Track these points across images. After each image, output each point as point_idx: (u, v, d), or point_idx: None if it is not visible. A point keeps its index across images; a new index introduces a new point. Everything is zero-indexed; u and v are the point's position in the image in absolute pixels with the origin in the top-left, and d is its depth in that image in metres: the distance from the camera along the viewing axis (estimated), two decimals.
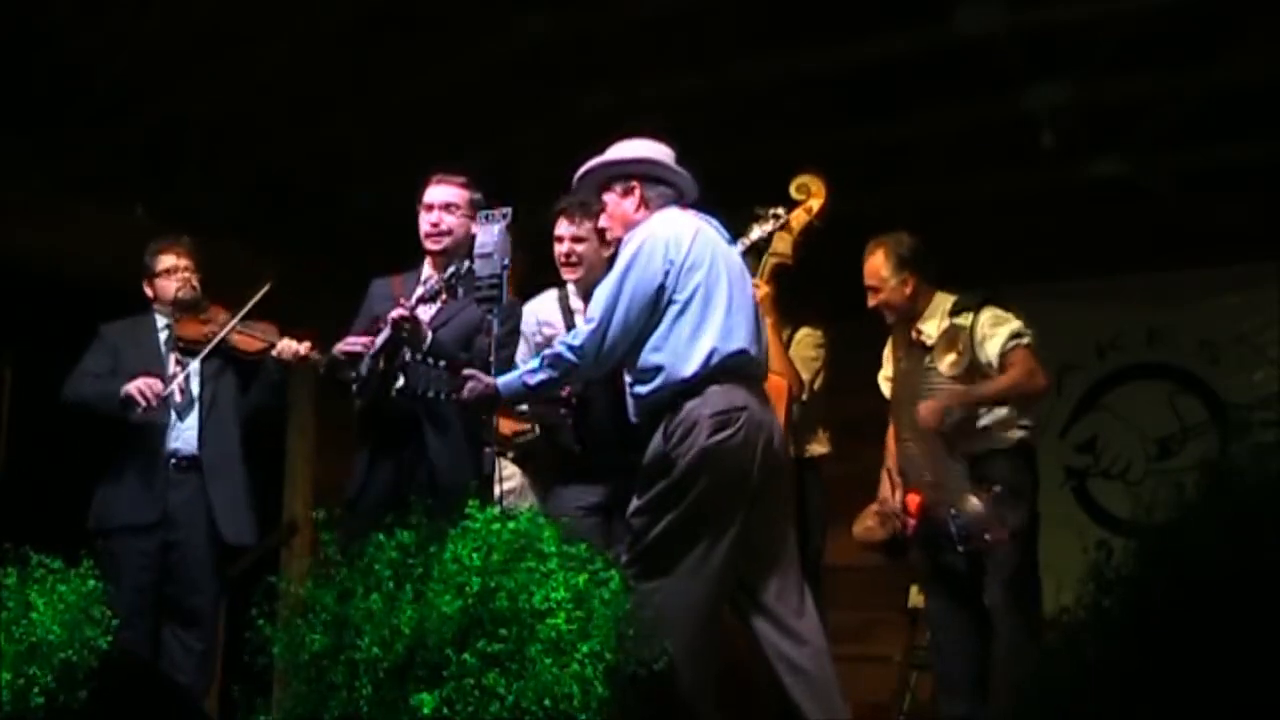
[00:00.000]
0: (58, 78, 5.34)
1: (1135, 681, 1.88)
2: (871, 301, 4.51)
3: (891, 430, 4.53)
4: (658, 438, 3.55)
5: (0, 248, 5.65)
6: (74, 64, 5.35)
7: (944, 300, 4.46)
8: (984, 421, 4.32)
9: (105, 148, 5.81)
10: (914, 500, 4.34)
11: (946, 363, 4.31)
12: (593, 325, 3.61)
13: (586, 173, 3.85)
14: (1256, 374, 5.79)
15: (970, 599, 4.31)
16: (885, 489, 4.50)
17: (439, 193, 4.24)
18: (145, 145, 5.88)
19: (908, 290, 4.44)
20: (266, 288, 4.63)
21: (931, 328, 4.42)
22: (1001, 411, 4.34)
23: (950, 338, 4.34)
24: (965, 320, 4.36)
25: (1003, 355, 4.29)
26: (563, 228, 4.27)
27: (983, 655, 4.34)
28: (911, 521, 4.35)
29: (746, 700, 3.98)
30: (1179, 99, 5.38)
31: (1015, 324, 4.33)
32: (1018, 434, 4.33)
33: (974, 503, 4.16)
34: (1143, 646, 1.88)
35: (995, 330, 4.31)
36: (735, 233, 4.12)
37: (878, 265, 4.48)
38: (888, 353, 4.62)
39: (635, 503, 3.57)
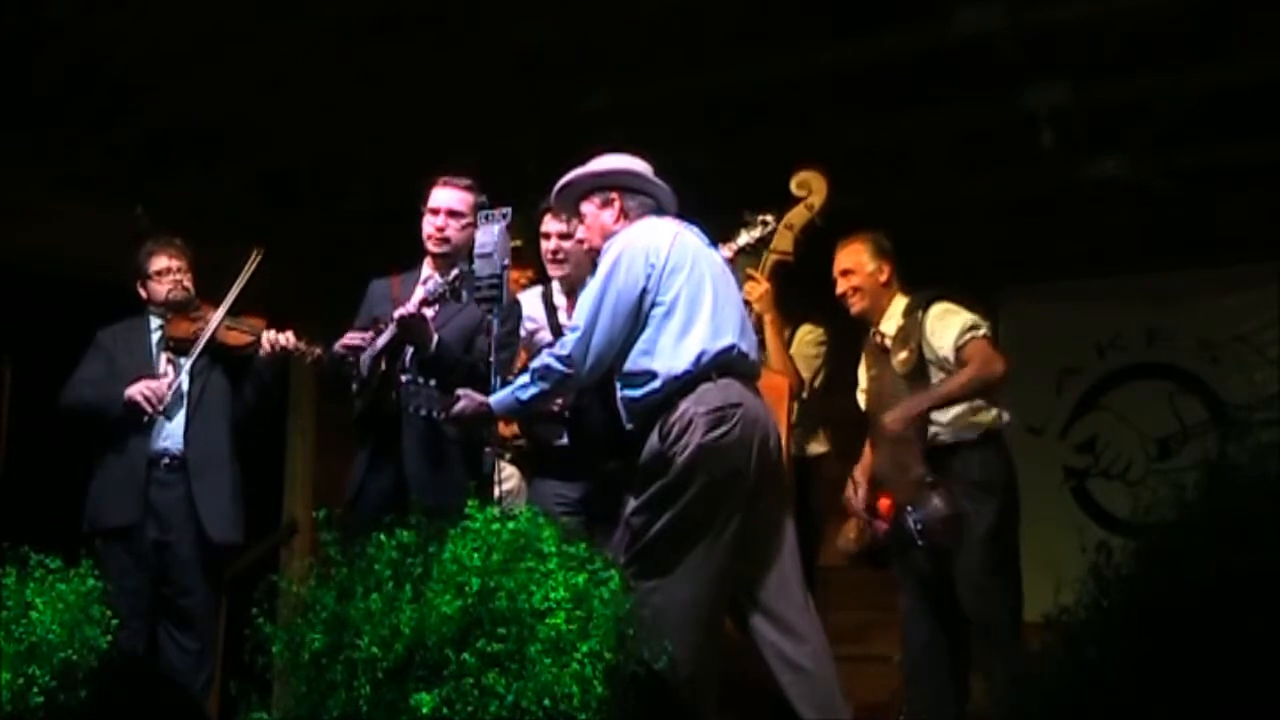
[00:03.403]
0: (58, 77, 5.34)
1: (1135, 681, 1.88)
2: (841, 287, 4.51)
3: (870, 440, 4.51)
4: (653, 437, 3.56)
5: (0, 248, 5.66)
6: (74, 64, 5.35)
7: (901, 301, 4.47)
8: (945, 415, 4.28)
9: (105, 147, 5.81)
10: (885, 503, 4.33)
11: (898, 361, 4.32)
12: (578, 334, 3.63)
13: (566, 185, 3.87)
14: (1256, 374, 5.79)
15: (940, 598, 4.30)
16: (849, 490, 4.49)
17: (444, 196, 4.24)
18: (145, 145, 5.88)
19: (883, 278, 4.46)
20: (256, 260, 4.63)
21: (890, 328, 4.43)
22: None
23: (904, 335, 4.35)
24: (916, 317, 4.36)
25: (959, 349, 4.26)
26: (550, 225, 4.31)
27: (951, 656, 4.33)
28: (882, 525, 4.33)
29: (744, 702, 3.98)
30: (1179, 99, 5.38)
31: (967, 316, 4.31)
32: (984, 421, 4.30)
33: (931, 498, 4.14)
34: (1142, 646, 1.88)
35: (945, 323, 4.30)
36: (723, 237, 4.12)
37: (857, 251, 4.50)
38: (861, 367, 4.61)
39: (633, 502, 3.58)
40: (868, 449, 4.51)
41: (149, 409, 4.49)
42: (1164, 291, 6.26)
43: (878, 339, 4.44)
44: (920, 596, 4.38)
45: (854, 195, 5.48)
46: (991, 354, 4.27)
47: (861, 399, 4.60)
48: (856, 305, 4.51)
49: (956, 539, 4.15)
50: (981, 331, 4.29)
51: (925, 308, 4.36)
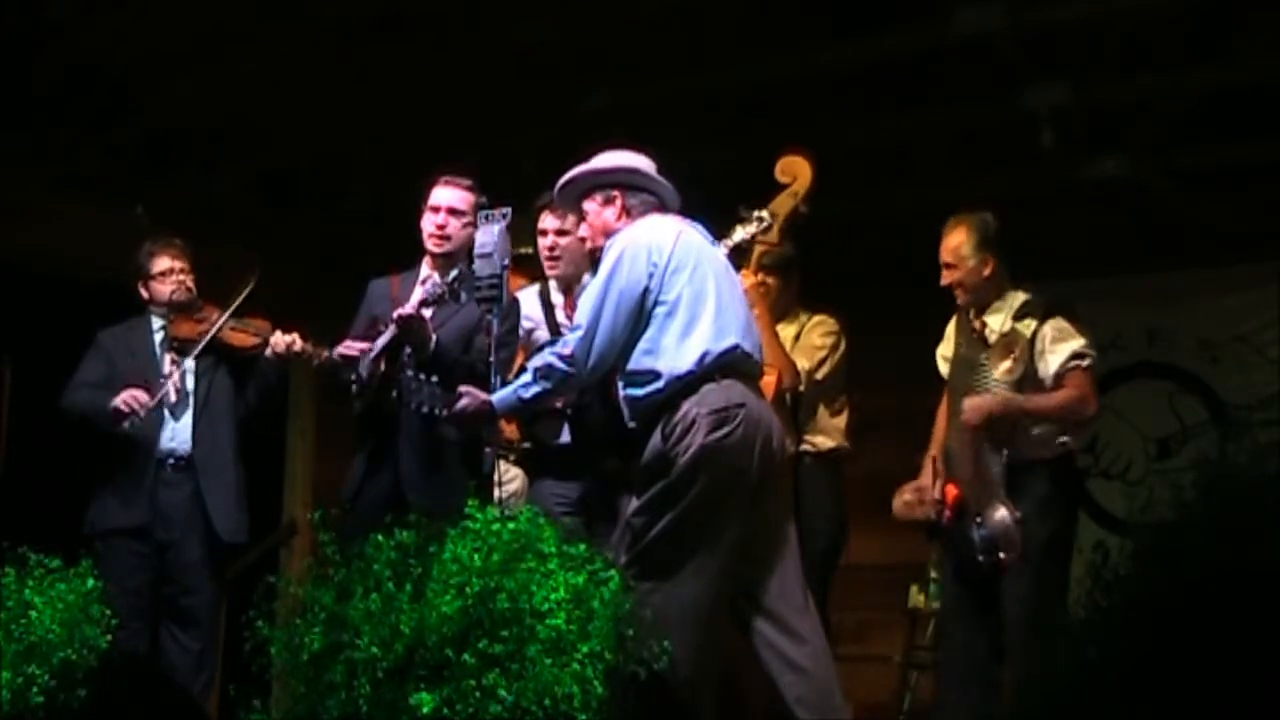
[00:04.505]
0: (58, 77, 5.35)
1: (1135, 681, 1.88)
2: (945, 279, 4.36)
3: (943, 413, 4.42)
4: (656, 437, 3.55)
5: (0, 248, 5.66)
6: (74, 64, 5.35)
7: (1014, 297, 4.33)
8: (1030, 430, 4.22)
9: (105, 147, 5.81)
10: (951, 492, 4.26)
11: (1001, 369, 4.19)
12: (580, 333, 3.62)
13: (568, 182, 3.86)
14: (1256, 374, 5.79)
15: (986, 603, 4.27)
16: (926, 476, 4.38)
17: (445, 195, 4.24)
18: (145, 145, 5.88)
19: (986, 272, 4.31)
20: (252, 284, 4.64)
21: (996, 322, 4.30)
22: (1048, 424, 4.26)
23: (1008, 343, 4.22)
24: (1027, 327, 4.24)
25: (1060, 374, 4.18)
26: (547, 222, 4.30)
27: (986, 659, 4.31)
28: (948, 513, 4.26)
29: (743, 705, 3.98)
30: (1179, 99, 5.38)
31: (1079, 342, 4.21)
32: (1061, 445, 4.24)
33: (1001, 514, 4.09)
34: (1142, 646, 1.88)
35: (1057, 346, 4.20)
36: (719, 234, 4.11)
37: (958, 242, 4.34)
38: (950, 330, 4.50)
39: (635, 502, 3.57)
40: (940, 421, 4.43)
41: (128, 412, 4.47)
42: (1164, 291, 6.26)
43: (979, 326, 4.32)
44: (967, 595, 4.32)
45: (854, 196, 5.50)
46: (1090, 391, 4.20)
47: (943, 366, 4.50)
48: (960, 299, 4.38)
49: (1015, 557, 4.11)
50: (1087, 362, 4.20)
51: (1041, 320, 4.24)
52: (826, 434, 4.70)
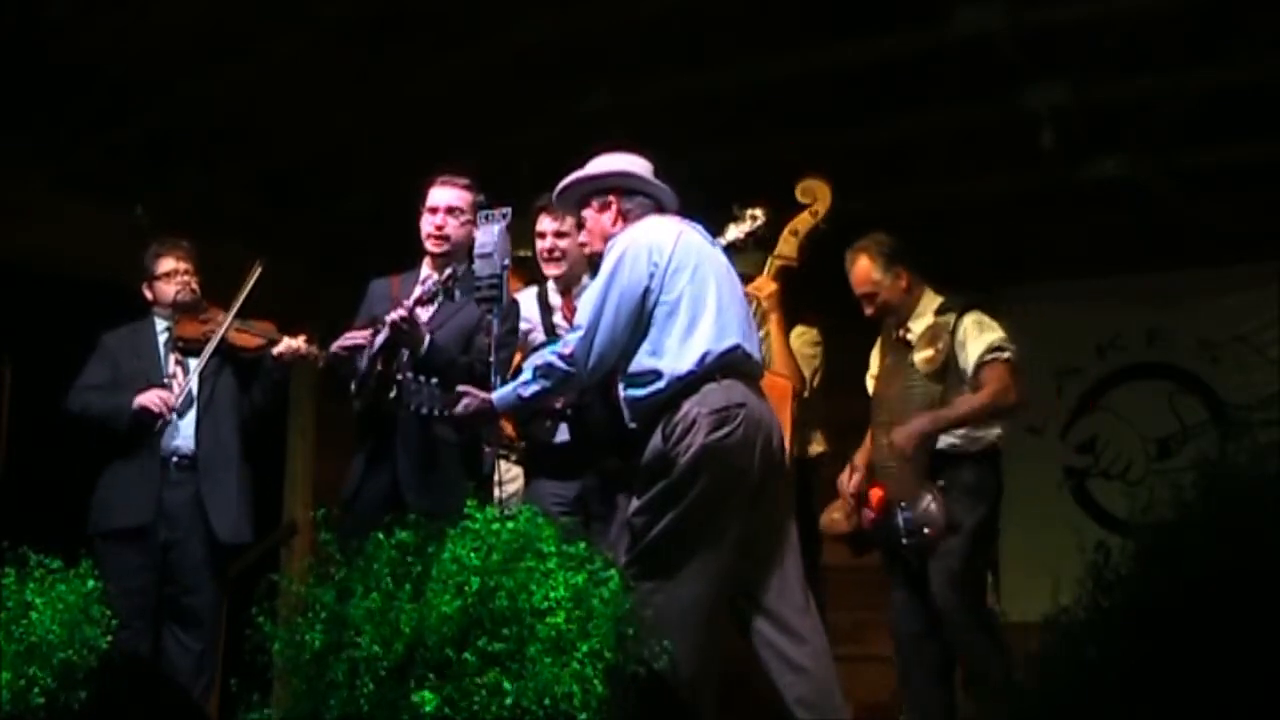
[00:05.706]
0: (58, 78, 5.34)
1: (1135, 681, 1.88)
2: (869, 310, 4.51)
3: (871, 426, 4.54)
4: (656, 437, 3.55)
5: (0, 248, 5.66)
6: (74, 64, 5.35)
7: (932, 300, 4.47)
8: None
9: (105, 147, 5.81)
10: (877, 494, 4.39)
11: (922, 358, 4.33)
12: (581, 333, 3.62)
13: (564, 189, 3.87)
14: (1256, 374, 5.79)
15: (929, 593, 4.34)
16: (843, 477, 4.54)
17: (443, 195, 4.24)
18: (145, 145, 5.88)
19: (904, 284, 4.46)
20: (258, 272, 4.64)
21: (919, 326, 4.43)
22: None
23: (932, 335, 4.36)
24: (949, 319, 4.37)
25: (979, 366, 4.29)
26: (545, 223, 4.32)
27: (942, 649, 4.36)
28: (870, 514, 4.38)
29: (743, 704, 3.98)
30: (1179, 99, 5.38)
31: (997, 335, 4.32)
32: (988, 438, 4.35)
33: (925, 499, 4.21)
34: (1142, 646, 1.88)
35: (977, 337, 4.32)
36: (715, 233, 4.13)
37: (866, 269, 4.49)
38: (875, 353, 4.65)
39: (635, 503, 3.57)
40: (869, 438, 4.53)
41: (159, 410, 4.49)
42: (1164, 291, 6.27)
43: (902, 333, 4.45)
44: (911, 592, 4.40)
45: (853, 196, 5.49)
46: (1009, 382, 4.30)
47: (870, 384, 4.61)
48: (890, 317, 4.51)
49: (937, 540, 4.19)
50: (1005, 355, 4.31)
51: (960, 314, 4.37)
52: (815, 441, 4.80)
